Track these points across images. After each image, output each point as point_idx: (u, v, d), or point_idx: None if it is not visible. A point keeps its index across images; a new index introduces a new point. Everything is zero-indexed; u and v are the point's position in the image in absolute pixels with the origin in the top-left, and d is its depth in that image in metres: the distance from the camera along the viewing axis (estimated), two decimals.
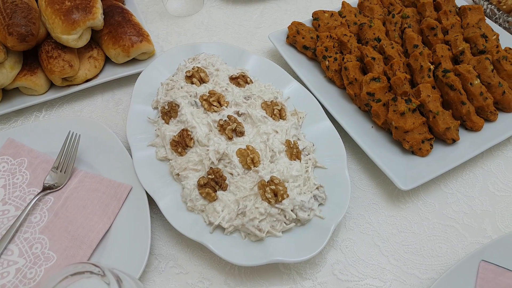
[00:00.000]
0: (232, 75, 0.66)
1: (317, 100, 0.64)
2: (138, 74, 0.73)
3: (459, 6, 0.75)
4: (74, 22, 0.67)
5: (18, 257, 0.54)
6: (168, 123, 0.61)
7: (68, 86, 0.71)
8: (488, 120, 0.62)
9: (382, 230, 0.56)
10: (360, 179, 0.61)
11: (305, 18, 0.79)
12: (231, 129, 0.57)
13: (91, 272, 0.36)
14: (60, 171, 0.60)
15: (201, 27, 0.84)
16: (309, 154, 0.57)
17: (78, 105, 0.72)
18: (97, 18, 0.69)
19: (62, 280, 0.36)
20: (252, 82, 0.66)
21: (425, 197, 0.58)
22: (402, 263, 0.53)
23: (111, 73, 0.73)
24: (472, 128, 0.61)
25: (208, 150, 0.56)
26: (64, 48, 0.69)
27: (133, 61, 0.74)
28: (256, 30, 0.83)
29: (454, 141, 0.59)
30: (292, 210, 0.51)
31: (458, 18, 0.71)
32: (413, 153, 0.58)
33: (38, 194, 0.58)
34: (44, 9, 0.68)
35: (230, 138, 0.57)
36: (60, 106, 0.72)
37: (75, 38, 0.68)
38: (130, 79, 0.75)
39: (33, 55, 0.71)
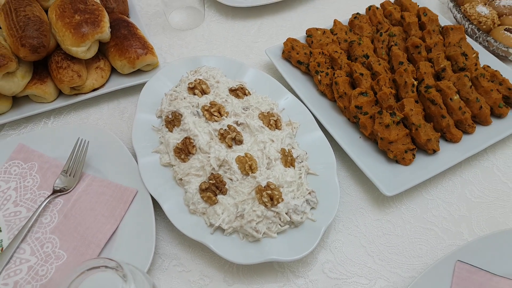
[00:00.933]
0: (231, 87, 0.70)
1: (310, 111, 0.68)
2: (142, 84, 0.77)
3: (442, 26, 0.80)
4: (83, 35, 0.70)
5: (30, 256, 0.57)
6: (171, 131, 0.65)
7: (76, 94, 0.74)
8: (466, 132, 0.67)
9: (368, 232, 0.60)
10: (348, 185, 0.65)
11: (299, 35, 0.83)
12: (230, 137, 0.61)
13: (106, 266, 0.39)
14: (69, 175, 0.64)
15: (202, 40, 0.88)
16: (302, 161, 0.62)
17: (85, 112, 0.76)
18: (105, 31, 0.73)
19: (80, 274, 0.39)
20: (250, 94, 0.70)
21: (408, 203, 0.63)
22: (386, 263, 0.57)
23: (117, 83, 0.76)
24: (452, 139, 0.65)
25: (209, 157, 0.59)
26: (73, 59, 0.73)
27: (138, 71, 0.78)
28: (253, 44, 0.87)
29: (434, 151, 0.64)
30: (286, 213, 0.55)
31: (441, 37, 0.76)
32: (397, 162, 0.63)
33: (48, 196, 0.62)
34: (55, 22, 0.72)
35: (229, 146, 0.61)
36: (67, 114, 0.75)
37: (84, 50, 0.71)
38: (135, 89, 0.79)
39: (43, 64, 0.74)
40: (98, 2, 0.78)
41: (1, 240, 0.58)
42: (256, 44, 0.87)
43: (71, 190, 0.63)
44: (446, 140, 0.66)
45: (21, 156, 0.67)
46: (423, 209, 0.62)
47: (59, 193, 0.62)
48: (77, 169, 0.64)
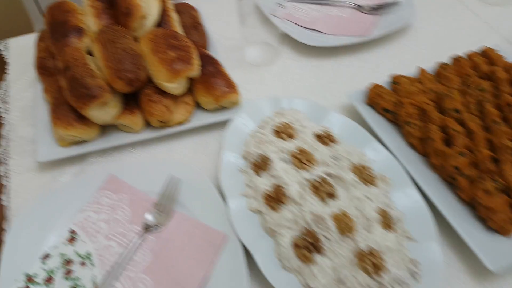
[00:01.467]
0: (317, 133, 0.70)
1: (401, 165, 0.67)
2: (224, 120, 0.77)
3: None
4: (177, 72, 0.71)
5: None
6: (259, 175, 0.65)
7: (163, 127, 0.75)
8: None
9: None
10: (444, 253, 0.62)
11: (378, 78, 0.82)
12: (325, 191, 0.60)
13: None
14: (161, 212, 0.64)
15: (278, 77, 0.88)
16: (400, 224, 0.60)
17: (169, 145, 0.76)
18: (196, 69, 0.73)
19: None
20: (337, 142, 0.69)
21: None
22: None
23: (200, 118, 0.77)
24: None
25: (302, 210, 0.59)
26: (163, 93, 0.73)
27: (220, 108, 0.78)
28: (330, 84, 0.87)
29: None
30: (389, 284, 0.54)
31: None
32: (496, 231, 0.61)
33: (141, 234, 0.62)
34: (149, 56, 0.73)
35: (323, 200, 0.60)
36: (153, 145, 0.76)
37: (176, 86, 0.72)
38: (217, 124, 0.79)
39: (132, 96, 0.75)
40: (186, 37, 0.78)
41: (96, 276, 0.59)
42: (333, 85, 0.87)
43: (162, 228, 0.63)
44: None
45: (111, 187, 0.67)
46: None
47: (150, 230, 0.63)
48: (169, 206, 0.64)
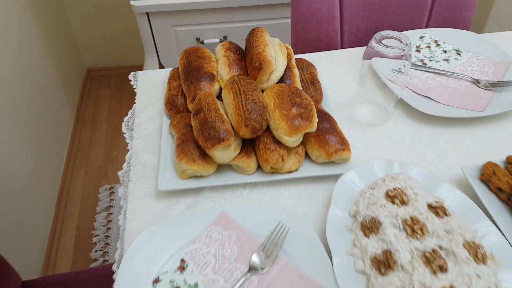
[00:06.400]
0: (431, 203, 0.73)
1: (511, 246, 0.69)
2: (332, 175, 0.83)
3: None
4: (297, 128, 0.79)
5: None
6: (368, 237, 0.70)
7: (273, 173, 0.83)
8: None
9: None
10: None
11: (490, 153, 0.84)
12: (437, 264, 0.63)
13: None
14: (266, 255, 0.70)
15: (387, 139, 0.94)
16: None
17: (276, 190, 0.84)
18: (314, 126, 0.81)
19: None
20: (450, 215, 0.72)
21: None
22: None
23: (309, 169, 0.84)
24: None
25: (412, 278, 0.62)
26: (279, 143, 0.82)
27: (328, 162, 0.85)
28: (442, 154, 0.90)
29: None
30: None
31: None
32: None
33: (246, 273, 0.69)
34: (272, 110, 0.82)
35: (434, 273, 0.63)
36: (261, 188, 0.84)
37: (294, 140, 0.80)
38: (323, 177, 0.85)
39: (250, 141, 0.84)
40: (307, 95, 0.87)
41: None
42: (445, 155, 0.90)
43: (265, 271, 0.69)
44: None
45: (222, 223, 0.76)
46: None
47: (255, 272, 0.69)
48: (274, 251, 0.71)
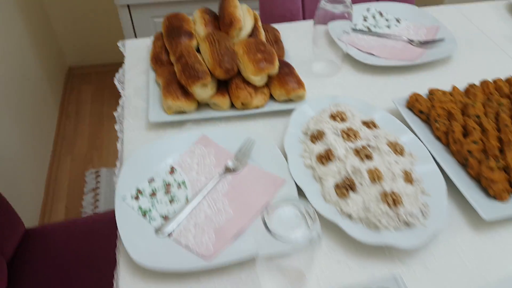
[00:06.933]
0: (364, 120, 0.95)
1: (427, 149, 0.91)
2: (291, 109, 1.04)
3: None
4: (262, 69, 1.01)
5: (207, 208, 0.83)
6: (314, 143, 0.91)
7: (243, 109, 1.04)
8: None
9: (465, 249, 0.79)
10: (452, 210, 0.84)
11: (421, 92, 1.07)
12: (364, 153, 0.85)
13: (293, 204, 0.63)
14: (237, 161, 0.91)
15: (337, 87, 1.16)
16: (419, 183, 0.83)
17: (246, 124, 1.04)
18: (276, 68, 1.03)
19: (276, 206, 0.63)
20: (379, 128, 0.94)
21: (502, 232, 0.81)
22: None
23: (273, 106, 1.05)
24: None
25: (345, 165, 0.84)
26: (248, 84, 1.03)
27: (288, 100, 1.06)
28: (380, 95, 1.13)
29: None
30: (404, 215, 0.76)
31: None
32: (495, 198, 0.82)
33: (222, 174, 0.89)
34: (242, 56, 1.03)
35: (362, 160, 0.84)
36: (234, 122, 1.05)
37: (259, 79, 1.02)
38: (284, 112, 1.06)
39: (224, 83, 1.05)
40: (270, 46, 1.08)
41: (188, 195, 0.85)
42: (381, 94, 1.13)
43: (238, 172, 0.89)
44: None
45: (203, 143, 0.96)
46: None
47: (229, 172, 0.89)
48: (244, 158, 0.91)
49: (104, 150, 2.61)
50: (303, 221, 0.62)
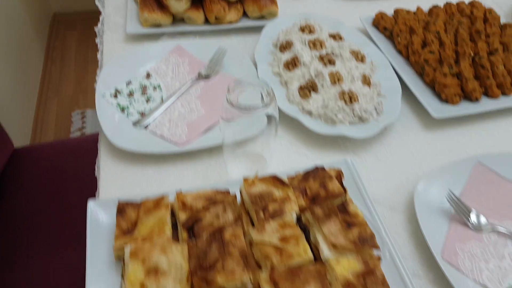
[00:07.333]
0: (331, 33, 1.01)
1: (387, 60, 0.97)
2: (263, 26, 1.09)
3: (502, 24, 1.06)
4: None
5: (181, 107, 0.90)
6: (283, 53, 0.97)
7: (217, 24, 1.08)
8: (504, 94, 0.92)
9: (416, 144, 0.86)
10: (404, 109, 0.92)
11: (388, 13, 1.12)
12: (327, 59, 0.91)
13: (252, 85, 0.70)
14: (210, 69, 0.97)
15: (310, 7, 1.20)
16: (376, 86, 0.90)
17: (220, 40, 1.09)
18: None
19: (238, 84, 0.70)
20: (344, 40, 1.00)
21: (451, 131, 0.89)
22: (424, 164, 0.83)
23: (246, 22, 1.10)
24: (492, 96, 0.91)
25: (309, 69, 0.90)
26: None
27: (261, 18, 1.11)
28: (348, 17, 1.17)
29: (477, 99, 0.89)
30: (358, 110, 0.84)
31: (499, 31, 1.02)
32: (447, 102, 0.89)
33: (196, 79, 0.95)
34: None
35: (325, 65, 0.91)
36: (208, 36, 1.10)
37: None
38: (257, 29, 1.11)
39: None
40: None
41: (163, 96, 0.91)
42: (350, 17, 1.17)
43: (210, 78, 0.95)
44: (487, 96, 0.92)
45: (178, 52, 1.01)
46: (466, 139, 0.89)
47: (202, 78, 0.95)
48: (217, 66, 0.97)
49: (89, 93, 2.64)
50: (262, 100, 0.69)
